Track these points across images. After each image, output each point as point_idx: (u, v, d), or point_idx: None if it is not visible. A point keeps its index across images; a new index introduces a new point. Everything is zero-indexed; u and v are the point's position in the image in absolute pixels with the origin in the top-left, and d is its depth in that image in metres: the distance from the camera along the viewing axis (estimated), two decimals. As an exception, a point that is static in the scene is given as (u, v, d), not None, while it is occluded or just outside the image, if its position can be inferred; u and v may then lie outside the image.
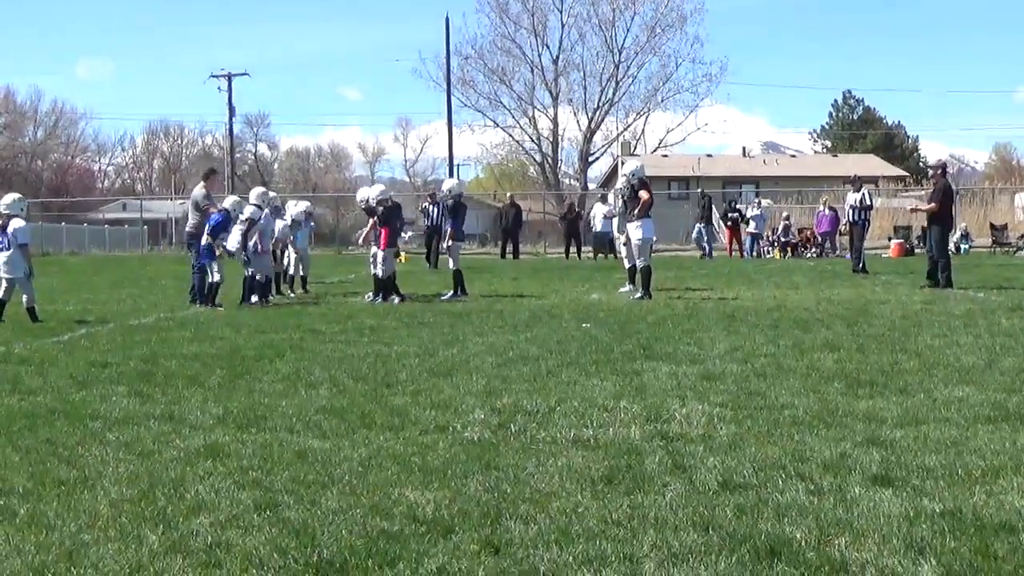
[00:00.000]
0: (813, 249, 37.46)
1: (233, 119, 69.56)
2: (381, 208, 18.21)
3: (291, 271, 20.49)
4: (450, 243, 19.16)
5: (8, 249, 15.13)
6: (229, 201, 18.08)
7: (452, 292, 18.59)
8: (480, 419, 7.59)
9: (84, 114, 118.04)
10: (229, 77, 65.64)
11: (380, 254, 18.05)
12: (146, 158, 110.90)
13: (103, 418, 7.88)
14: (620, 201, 18.53)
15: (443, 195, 19.42)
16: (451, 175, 63.09)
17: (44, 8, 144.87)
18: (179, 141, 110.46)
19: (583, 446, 6.69)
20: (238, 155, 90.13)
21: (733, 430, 7.05)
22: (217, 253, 17.21)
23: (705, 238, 36.69)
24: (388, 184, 38.30)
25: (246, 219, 17.58)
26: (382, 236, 18.02)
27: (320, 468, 6.24)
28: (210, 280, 17.29)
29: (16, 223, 15.24)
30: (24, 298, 15.25)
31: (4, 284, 15.32)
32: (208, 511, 5.42)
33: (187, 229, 19.13)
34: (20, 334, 13.67)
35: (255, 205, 18.09)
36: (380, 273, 18.10)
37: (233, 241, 17.39)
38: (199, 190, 18.92)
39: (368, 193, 19.28)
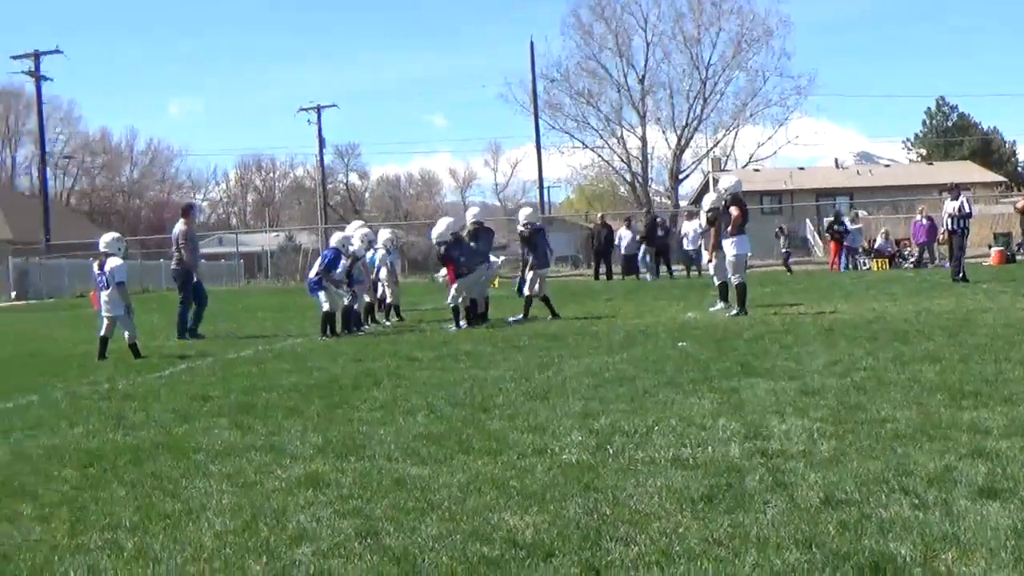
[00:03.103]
0: (911, 259, 36.82)
1: (324, 150, 70.62)
2: (443, 247, 18.58)
3: (388, 300, 20.67)
4: (531, 272, 19.14)
5: (107, 287, 15.53)
6: (336, 239, 18.37)
7: (523, 315, 18.80)
8: (578, 441, 7.56)
9: (179, 152, 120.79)
10: (318, 109, 66.64)
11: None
12: (240, 192, 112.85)
13: (206, 451, 7.99)
14: (705, 219, 18.60)
15: (521, 225, 19.33)
16: (541, 198, 63.31)
17: (135, 52, 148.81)
18: (271, 174, 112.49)
19: (682, 465, 6.64)
20: (330, 185, 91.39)
21: (834, 445, 6.95)
22: (326, 286, 17.58)
23: (648, 260, 35.14)
24: (480, 207, 38.17)
25: (350, 255, 18.09)
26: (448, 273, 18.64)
27: (419, 495, 6.26)
28: (323, 311, 17.73)
29: (113, 262, 15.63)
30: (125, 335, 15.62)
31: (106, 322, 15.70)
32: (310, 540, 5.48)
33: (173, 266, 19.59)
34: (123, 370, 13.95)
35: (360, 241, 18.78)
36: (448, 302, 18.60)
37: (340, 275, 17.92)
38: (179, 227, 19.35)
39: (440, 229, 19.27)
